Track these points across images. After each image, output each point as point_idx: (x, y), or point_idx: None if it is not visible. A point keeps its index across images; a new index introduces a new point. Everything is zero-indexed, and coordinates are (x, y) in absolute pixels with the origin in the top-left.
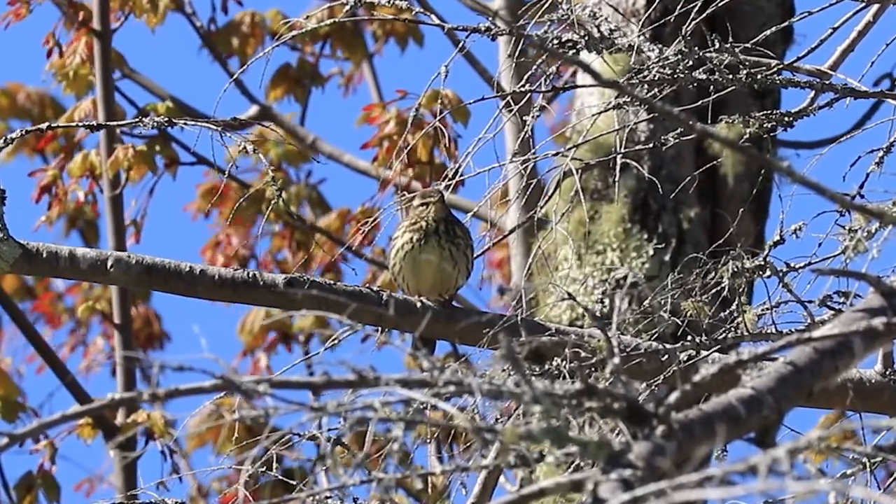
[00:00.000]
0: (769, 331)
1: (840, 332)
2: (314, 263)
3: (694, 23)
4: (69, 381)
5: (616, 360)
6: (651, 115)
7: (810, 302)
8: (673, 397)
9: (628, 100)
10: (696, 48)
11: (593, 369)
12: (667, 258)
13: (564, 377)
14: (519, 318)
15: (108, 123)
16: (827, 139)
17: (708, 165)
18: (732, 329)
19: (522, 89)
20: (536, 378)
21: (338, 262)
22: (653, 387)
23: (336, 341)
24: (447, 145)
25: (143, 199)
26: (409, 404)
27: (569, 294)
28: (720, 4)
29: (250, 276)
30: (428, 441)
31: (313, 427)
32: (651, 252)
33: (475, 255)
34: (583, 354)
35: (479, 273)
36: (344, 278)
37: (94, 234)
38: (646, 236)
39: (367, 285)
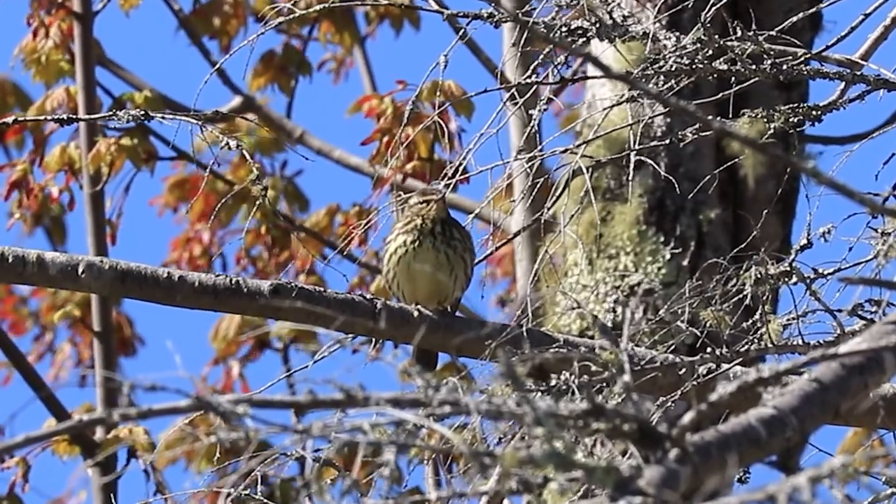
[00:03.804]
0: (795, 342)
1: (869, 348)
2: (296, 263)
3: (714, 8)
4: (45, 396)
5: (626, 377)
6: (667, 109)
7: (840, 311)
8: (687, 418)
9: (642, 92)
10: (717, 36)
11: (604, 385)
12: (685, 263)
13: (572, 392)
14: (523, 329)
15: (78, 117)
16: (859, 134)
17: (729, 164)
18: (755, 340)
19: (528, 81)
20: (540, 395)
21: (323, 264)
22: (669, 403)
23: (326, 354)
24: (448, 140)
25: (118, 196)
26: (402, 425)
27: (576, 302)
28: None
29: (233, 282)
30: (425, 462)
31: (299, 448)
32: (668, 256)
33: (477, 261)
34: (593, 368)
35: (479, 275)
36: (329, 281)
37: (62, 233)
38: (662, 239)
39: (360, 293)
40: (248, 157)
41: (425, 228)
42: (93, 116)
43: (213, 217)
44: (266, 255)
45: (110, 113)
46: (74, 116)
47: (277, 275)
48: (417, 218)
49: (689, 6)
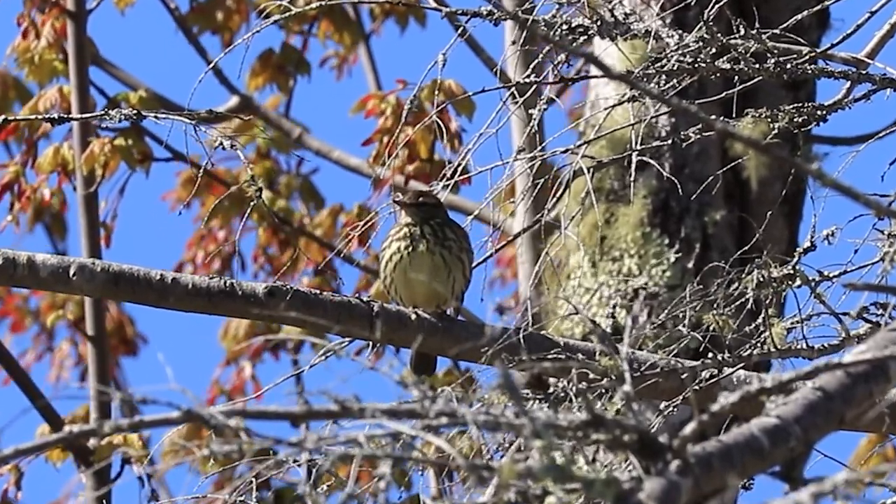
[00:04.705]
0: (799, 346)
1: (874, 356)
2: (303, 264)
3: (717, 6)
4: (41, 405)
5: (627, 386)
6: (671, 109)
7: (845, 314)
8: (689, 428)
9: (643, 93)
10: (721, 35)
11: (604, 392)
12: (690, 265)
13: (571, 400)
14: (521, 336)
15: (70, 116)
16: (867, 135)
17: (733, 164)
18: (759, 344)
19: (528, 80)
20: (539, 404)
21: (328, 267)
22: (671, 408)
23: (321, 360)
24: (449, 140)
25: (113, 198)
26: (398, 437)
27: (574, 308)
28: None
29: (227, 285)
30: (422, 472)
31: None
32: (672, 259)
33: (477, 263)
34: (591, 375)
35: (486, 278)
36: (340, 280)
37: (62, 230)
38: (667, 241)
39: (357, 295)
40: (242, 157)
41: (416, 233)
42: (85, 116)
43: (207, 218)
44: (280, 254)
45: (102, 112)
46: (66, 116)
47: (287, 275)
48: (404, 227)
49: (694, 3)
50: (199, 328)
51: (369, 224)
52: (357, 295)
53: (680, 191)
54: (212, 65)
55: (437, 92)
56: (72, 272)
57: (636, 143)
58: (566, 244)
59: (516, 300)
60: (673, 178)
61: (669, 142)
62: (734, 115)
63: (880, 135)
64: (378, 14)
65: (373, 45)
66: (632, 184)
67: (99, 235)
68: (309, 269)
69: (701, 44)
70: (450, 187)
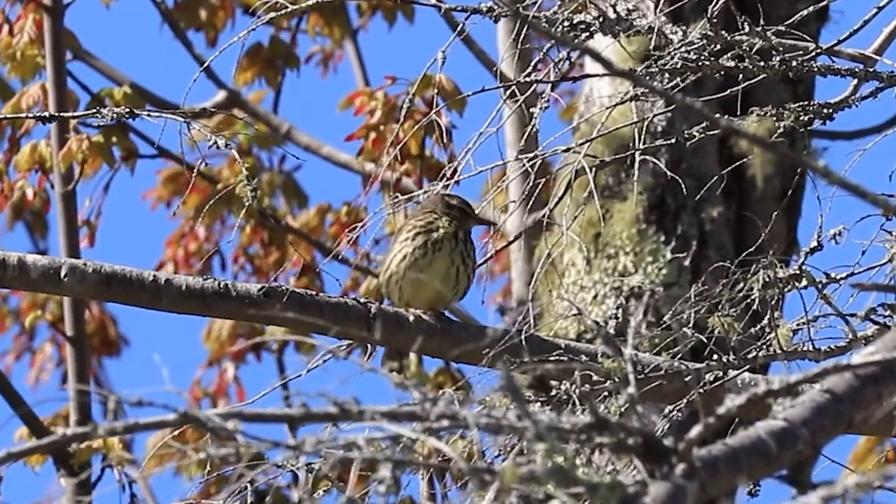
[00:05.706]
0: (806, 348)
1: (883, 358)
2: (289, 264)
3: (721, 1)
4: (23, 413)
5: (631, 388)
6: (670, 107)
7: (852, 315)
8: (695, 431)
9: (645, 90)
10: (724, 31)
11: (606, 395)
12: (686, 263)
13: (573, 403)
14: (523, 338)
15: (61, 115)
16: (866, 129)
17: (736, 164)
18: (764, 347)
19: (527, 80)
20: (541, 407)
21: (315, 266)
22: (675, 411)
23: (319, 363)
24: (442, 138)
25: (97, 196)
26: (398, 440)
27: (578, 310)
28: None
29: (221, 286)
30: (421, 475)
31: (292, 462)
32: (668, 256)
33: (479, 264)
34: (594, 378)
35: (485, 280)
36: (322, 280)
37: (43, 228)
38: (663, 238)
39: (354, 297)
40: (237, 157)
41: (448, 232)
42: (77, 114)
43: (201, 218)
44: (263, 254)
45: (94, 111)
46: (56, 114)
47: (272, 274)
48: (438, 221)
49: None
50: (180, 329)
51: (364, 226)
52: (350, 296)
53: (684, 189)
54: (205, 65)
55: (436, 91)
56: (63, 273)
57: (638, 142)
58: (560, 241)
59: (506, 294)
60: (673, 175)
61: (672, 140)
62: (736, 113)
63: (886, 132)
64: (365, 9)
65: (360, 41)
66: (634, 184)
67: (78, 234)
68: (295, 269)
69: (705, 41)
70: (449, 187)
